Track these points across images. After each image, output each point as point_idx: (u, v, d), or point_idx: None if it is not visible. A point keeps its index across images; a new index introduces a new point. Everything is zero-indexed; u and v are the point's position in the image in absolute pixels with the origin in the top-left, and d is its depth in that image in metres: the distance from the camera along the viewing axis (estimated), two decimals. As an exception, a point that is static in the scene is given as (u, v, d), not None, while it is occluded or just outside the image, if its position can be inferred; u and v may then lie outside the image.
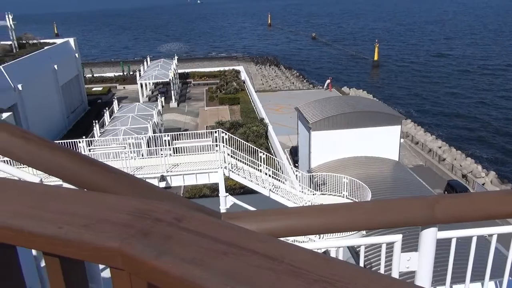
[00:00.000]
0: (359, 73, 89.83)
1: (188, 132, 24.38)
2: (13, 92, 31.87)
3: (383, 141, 30.07)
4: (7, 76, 31.64)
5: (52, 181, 2.09)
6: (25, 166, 1.86)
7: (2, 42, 40.44)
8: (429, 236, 2.18)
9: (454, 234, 2.31)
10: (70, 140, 21.33)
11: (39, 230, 0.75)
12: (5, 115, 27.60)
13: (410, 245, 2.58)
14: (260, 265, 0.66)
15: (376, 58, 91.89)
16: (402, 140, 32.55)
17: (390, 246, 2.25)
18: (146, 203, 0.82)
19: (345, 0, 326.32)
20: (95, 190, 1.61)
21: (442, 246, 2.34)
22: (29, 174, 2.04)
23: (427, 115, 62.20)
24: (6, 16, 40.46)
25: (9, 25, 40.54)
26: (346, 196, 21.36)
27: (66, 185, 1.73)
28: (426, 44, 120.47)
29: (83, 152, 19.38)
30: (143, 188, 1.65)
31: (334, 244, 2.08)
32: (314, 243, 2.14)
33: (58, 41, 46.59)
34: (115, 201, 0.83)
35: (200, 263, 0.67)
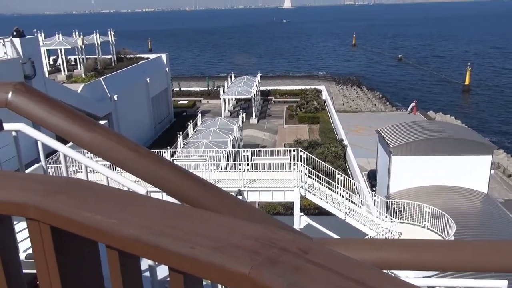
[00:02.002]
0: (447, 98, 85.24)
1: (266, 148, 24.64)
2: (109, 102, 34.55)
3: (471, 171, 28.10)
4: (105, 87, 34.42)
5: (153, 191, 2.22)
6: (122, 171, 1.98)
7: (103, 56, 44.15)
8: (540, 285, 1.98)
9: None
10: (155, 150, 22.52)
11: (174, 248, 0.79)
12: (101, 122, 29.95)
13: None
14: None
15: (467, 82, 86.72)
16: (492, 171, 30.19)
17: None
18: (271, 230, 0.83)
19: (435, 21, 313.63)
20: (197, 206, 1.68)
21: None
22: (136, 185, 2.18)
23: (522, 146, 57.11)
24: (109, 32, 44.21)
25: (110, 41, 44.22)
26: (428, 227, 20.18)
27: (167, 197, 1.83)
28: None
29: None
30: (242, 209, 1.69)
31: (433, 283, 1.96)
32: (415, 279, 2.03)
33: (152, 56, 49.84)
34: (242, 226, 0.86)
35: None
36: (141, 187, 2.14)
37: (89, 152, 1.97)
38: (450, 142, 28.38)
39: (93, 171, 2.46)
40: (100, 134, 1.86)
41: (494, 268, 1.79)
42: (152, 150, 21.69)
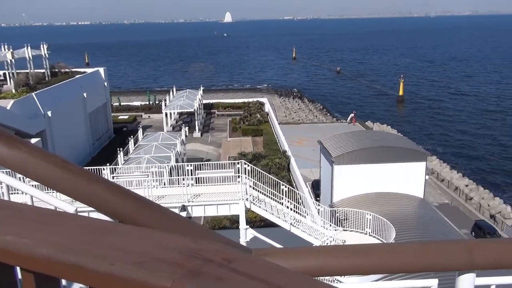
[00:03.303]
0: (383, 108, 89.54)
1: (210, 162, 24.50)
2: (43, 119, 32.88)
3: (408, 178, 29.54)
4: (38, 103, 32.75)
5: (87, 210, 2.12)
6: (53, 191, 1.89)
7: (36, 70, 42.10)
8: (467, 282, 2.09)
9: (493, 281, 2.21)
10: (94, 167, 21.67)
11: (92, 266, 0.75)
12: (33, 140, 28.41)
13: (446, 290, 2.48)
14: None
15: (401, 93, 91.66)
16: (427, 177, 31.94)
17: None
18: (196, 241, 0.81)
19: (369, 36, 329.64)
20: (131, 223, 1.62)
21: (480, 293, 2.23)
22: (64, 203, 2.07)
23: (453, 152, 61.02)
24: (42, 45, 42.27)
25: (43, 54, 42.28)
26: (369, 233, 20.88)
27: (100, 215, 1.75)
28: (452, 81, 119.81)
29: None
30: (179, 223, 1.65)
31: (367, 287, 2.01)
32: (346, 285, 2.08)
33: (89, 70, 48.21)
34: (165, 239, 0.83)
35: None
36: (70, 206, 2.03)
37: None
38: (388, 150, 29.71)
39: (24, 192, 2.31)
40: (22, 150, 1.75)
41: (427, 267, 1.88)
42: (90, 167, 20.72)
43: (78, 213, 1.80)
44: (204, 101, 58.78)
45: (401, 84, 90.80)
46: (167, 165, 26.20)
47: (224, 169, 24.02)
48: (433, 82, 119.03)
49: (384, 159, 29.22)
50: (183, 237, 0.83)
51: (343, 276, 14.29)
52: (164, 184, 23.44)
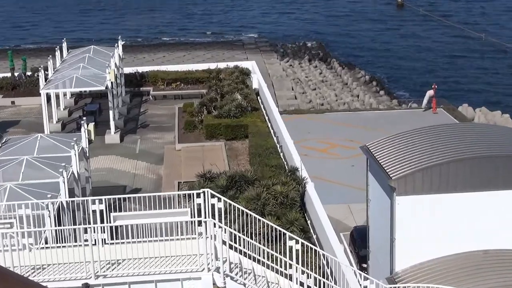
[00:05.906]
0: (492, 77, 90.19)
1: (141, 195, 24.40)
2: None
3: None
4: None
5: None
6: None
7: None
8: None
9: None
10: None
11: None
12: None
13: None
14: None
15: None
16: None
17: None
18: None
19: None
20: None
21: None
22: None
23: None
24: None
25: None
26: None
27: None
28: None
29: None
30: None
31: None
32: None
33: None
34: None
35: None
36: None
37: None
38: (506, 165, 29.72)
39: None
40: None
41: None
42: None
43: None
44: (127, 70, 58.67)
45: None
46: (52, 203, 26.01)
47: (170, 208, 23.88)
48: None
49: (498, 183, 29.28)
50: None
51: None
52: (46, 242, 23.24)
